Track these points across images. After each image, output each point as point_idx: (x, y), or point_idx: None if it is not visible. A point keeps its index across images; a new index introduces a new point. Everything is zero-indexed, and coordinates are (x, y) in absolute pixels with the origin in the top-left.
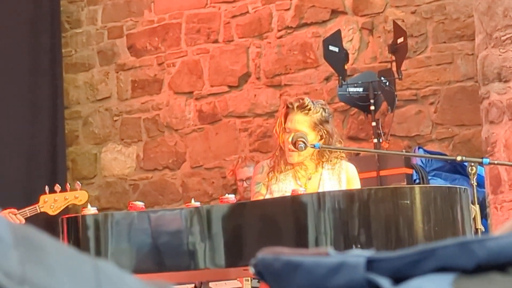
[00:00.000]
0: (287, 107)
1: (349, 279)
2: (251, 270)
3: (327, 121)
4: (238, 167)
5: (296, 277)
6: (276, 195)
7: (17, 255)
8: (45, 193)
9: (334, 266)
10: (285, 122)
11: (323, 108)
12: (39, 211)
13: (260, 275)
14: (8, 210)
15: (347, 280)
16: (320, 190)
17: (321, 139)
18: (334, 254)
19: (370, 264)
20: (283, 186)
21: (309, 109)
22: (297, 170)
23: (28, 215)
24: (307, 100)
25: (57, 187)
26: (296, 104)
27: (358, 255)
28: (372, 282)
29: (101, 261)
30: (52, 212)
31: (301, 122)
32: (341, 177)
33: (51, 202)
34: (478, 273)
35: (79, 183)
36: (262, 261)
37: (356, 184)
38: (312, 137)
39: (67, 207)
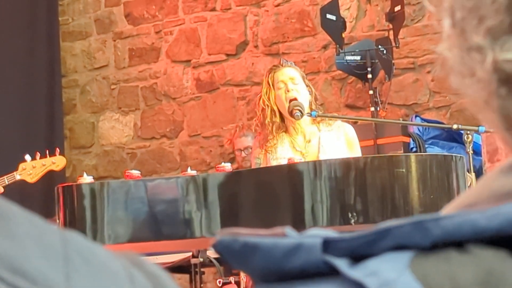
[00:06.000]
0: (270, 70)
1: (306, 261)
2: (212, 250)
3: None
4: (236, 137)
5: (254, 259)
6: (275, 163)
7: None
8: (25, 161)
9: (291, 248)
10: (273, 85)
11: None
12: (17, 179)
13: (221, 255)
14: None
15: (304, 261)
16: (321, 152)
17: (310, 93)
18: (291, 235)
19: (326, 245)
20: (281, 154)
21: (291, 65)
22: (293, 137)
23: (7, 183)
24: (283, 60)
25: (37, 155)
26: (278, 64)
27: (314, 236)
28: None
29: (70, 232)
30: (30, 179)
31: (292, 72)
32: (339, 136)
33: (29, 169)
34: (435, 250)
35: (58, 149)
36: (220, 243)
37: (356, 146)
38: (304, 88)
39: (46, 173)
